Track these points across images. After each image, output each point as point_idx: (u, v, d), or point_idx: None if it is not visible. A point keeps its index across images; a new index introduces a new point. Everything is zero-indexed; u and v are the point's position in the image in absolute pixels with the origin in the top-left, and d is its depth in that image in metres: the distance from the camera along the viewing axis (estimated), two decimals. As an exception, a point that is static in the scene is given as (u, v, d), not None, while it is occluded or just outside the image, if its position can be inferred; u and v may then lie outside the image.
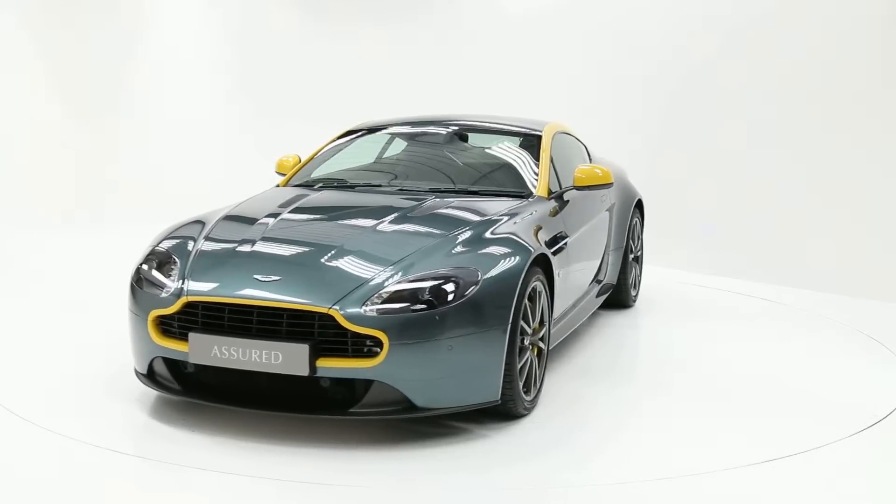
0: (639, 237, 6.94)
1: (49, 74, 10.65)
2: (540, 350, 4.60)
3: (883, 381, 5.23)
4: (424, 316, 3.95)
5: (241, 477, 3.73)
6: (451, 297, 4.01)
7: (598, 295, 6.11)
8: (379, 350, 3.92)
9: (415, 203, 4.95)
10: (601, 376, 5.19)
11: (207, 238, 4.58)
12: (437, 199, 5.04)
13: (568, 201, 5.44)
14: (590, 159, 6.53)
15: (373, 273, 4.13)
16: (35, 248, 8.77)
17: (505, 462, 3.98)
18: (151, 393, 4.56)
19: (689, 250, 8.25)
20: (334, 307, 3.93)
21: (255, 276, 4.13)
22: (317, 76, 10.91)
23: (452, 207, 4.93)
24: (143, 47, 11.24)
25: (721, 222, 8.33)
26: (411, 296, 4.00)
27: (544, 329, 4.61)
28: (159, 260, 4.45)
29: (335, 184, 5.55)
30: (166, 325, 4.22)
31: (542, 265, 4.60)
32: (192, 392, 4.23)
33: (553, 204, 5.22)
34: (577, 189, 5.41)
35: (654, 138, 8.84)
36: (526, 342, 4.37)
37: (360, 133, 6.12)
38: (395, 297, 3.99)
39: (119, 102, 11.11)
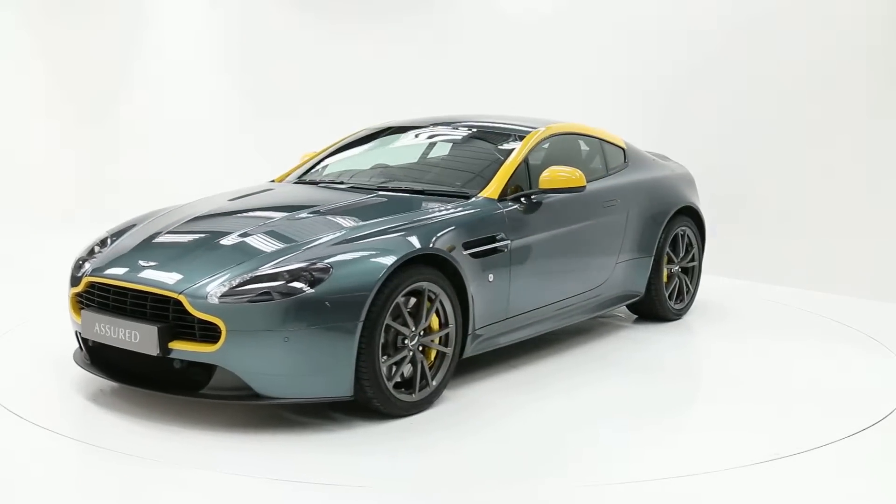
0: (691, 246, 6.47)
1: (49, 74, 10.66)
2: (441, 353, 4.57)
3: (883, 381, 5.23)
4: (261, 307, 4.04)
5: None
6: (293, 290, 4.08)
7: (606, 303, 5.83)
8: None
9: (347, 200, 5.00)
10: (554, 382, 5.00)
11: (140, 227, 4.90)
12: (370, 197, 5.06)
13: (540, 203, 5.20)
14: (625, 161, 6.12)
15: (240, 262, 4.27)
16: (35, 248, 8.77)
17: (346, 454, 3.97)
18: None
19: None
20: (183, 293, 4.12)
21: (139, 262, 4.44)
22: (317, 76, 10.90)
23: (372, 205, 4.93)
24: (143, 47, 11.25)
25: (719, 221, 8.33)
26: (254, 286, 4.11)
27: (446, 331, 4.56)
28: (100, 248, 4.81)
29: (307, 180, 5.68)
30: (81, 303, 4.59)
31: (444, 267, 4.54)
32: (94, 366, 4.53)
33: (497, 206, 4.98)
34: (543, 192, 5.17)
35: (656, 137, 8.83)
36: (408, 343, 4.35)
37: (374, 134, 6.10)
38: (240, 285, 4.11)
39: (119, 102, 11.11)
